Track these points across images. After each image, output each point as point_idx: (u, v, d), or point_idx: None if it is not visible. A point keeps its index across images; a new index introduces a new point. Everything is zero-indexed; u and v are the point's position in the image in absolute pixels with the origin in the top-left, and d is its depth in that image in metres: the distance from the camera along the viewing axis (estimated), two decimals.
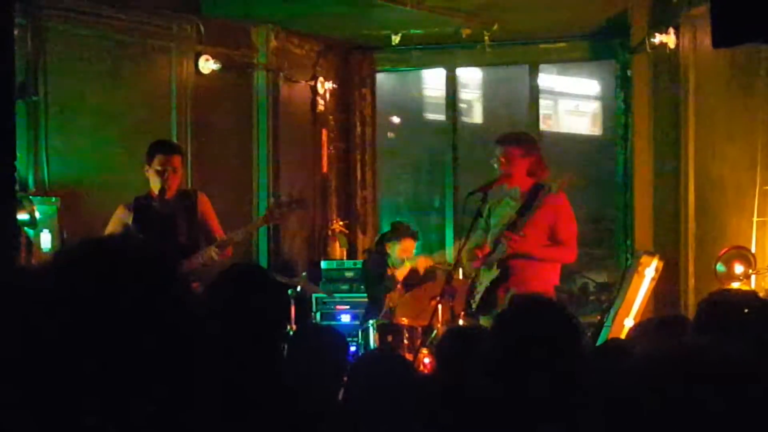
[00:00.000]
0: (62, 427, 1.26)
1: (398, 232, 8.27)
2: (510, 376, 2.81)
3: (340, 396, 3.67)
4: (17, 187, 5.51)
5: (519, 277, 6.01)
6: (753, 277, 6.48)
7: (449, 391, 3.23)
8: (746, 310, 3.32)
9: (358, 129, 10.38)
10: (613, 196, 9.55)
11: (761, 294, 5.28)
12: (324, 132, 9.99)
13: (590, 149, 11.48)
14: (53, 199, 7.24)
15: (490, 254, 6.19)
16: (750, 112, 6.91)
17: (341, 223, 10.02)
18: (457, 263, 6.64)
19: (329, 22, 9.24)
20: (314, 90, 9.84)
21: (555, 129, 12.59)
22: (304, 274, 8.18)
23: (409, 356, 6.46)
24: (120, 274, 1.34)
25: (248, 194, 9.14)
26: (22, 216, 6.73)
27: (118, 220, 6.35)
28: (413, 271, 8.16)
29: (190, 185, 7.92)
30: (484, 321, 5.93)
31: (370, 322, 7.56)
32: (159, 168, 6.19)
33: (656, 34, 8.09)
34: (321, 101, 9.90)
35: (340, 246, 9.94)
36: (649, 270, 7.91)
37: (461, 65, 10.37)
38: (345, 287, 9.00)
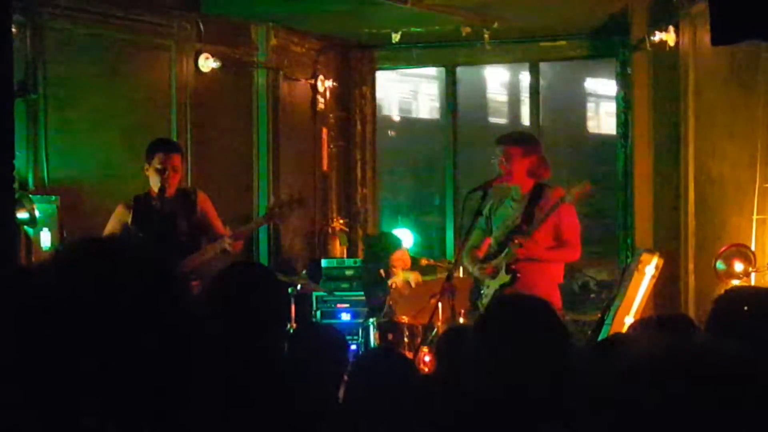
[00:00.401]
0: (62, 427, 1.26)
1: (388, 246, 8.31)
2: (498, 375, 2.81)
3: (341, 394, 3.67)
4: (17, 186, 5.51)
5: (526, 279, 6.02)
6: (753, 275, 6.47)
7: (449, 389, 3.23)
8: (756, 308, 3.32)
9: (358, 127, 10.37)
10: (613, 194, 9.55)
11: None
12: (324, 130, 9.99)
13: (590, 147, 11.48)
14: (53, 197, 7.23)
15: (494, 256, 6.20)
16: (750, 109, 6.90)
17: (341, 221, 10.03)
18: (457, 261, 6.64)
19: (329, 20, 9.23)
20: (314, 88, 9.84)
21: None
22: (304, 272, 8.19)
23: (409, 354, 6.46)
24: (118, 273, 1.34)
25: (248, 192, 9.14)
26: (22, 215, 6.73)
27: (118, 219, 6.34)
28: (406, 285, 8.18)
29: (189, 183, 7.92)
30: None
31: (371, 320, 7.57)
32: (159, 166, 6.19)
33: (656, 32, 8.09)
34: (321, 99, 9.90)
35: (341, 244, 9.95)
36: (650, 268, 7.91)
37: (461, 63, 10.37)
38: (345, 285, 9.00)
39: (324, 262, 9.29)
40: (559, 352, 2.91)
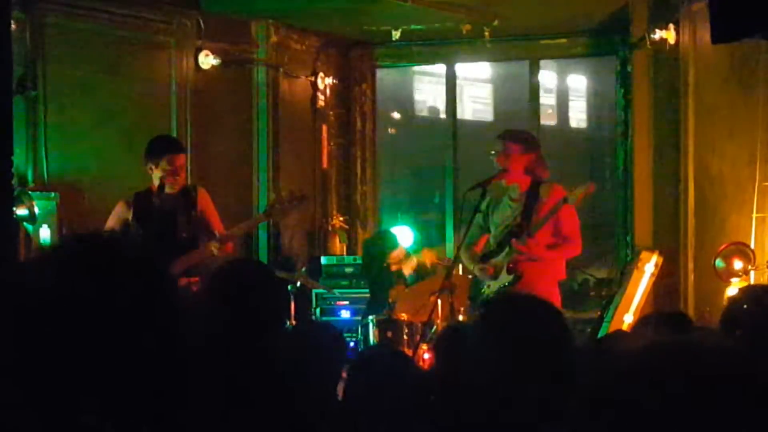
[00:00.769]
0: (60, 426, 1.26)
1: (385, 246, 8.31)
2: (498, 373, 2.81)
3: (340, 392, 3.67)
4: (16, 182, 5.51)
5: (527, 277, 6.02)
6: (752, 273, 6.47)
7: (448, 387, 3.23)
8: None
9: (359, 125, 10.37)
10: (612, 192, 9.55)
11: None
12: (324, 128, 9.98)
13: (590, 145, 11.49)
14: (52, 194, 7.23)
15: (492, 255, 6.20)
16: (750, 107, 6.90)
17: (341, 218, 10.03)
18: (457, 259, 6.64)
19: (329, 18, 9.23)
20: (314, 85, 9.83)
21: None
22: (303, 269, 8.19)
23: (408, 352, 6.45)
24: (113, 270, 1.33)
25: (248, 189, 9.14)
26: (22, 211, 6.73)
27: (118, 216, 6.34)
28: (421, 265, 8.18)
29: (189, 180, 7.91)
30: None
31: (370, 317, 7.56)
32: (168, 168, 6.17)
33: (656, 30, 8.08)
34: (321, 97, 9.89)
35: (340, 241, 9.95)
36: (649, 266, 7.91)
37: (461, 61, 10.37)
38: (345, 282, 9.00)
39: (324, 260, 9.29)
40: (560, 352, 2.91)
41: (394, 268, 8.22)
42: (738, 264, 6.50)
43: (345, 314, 8.72)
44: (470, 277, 6.69)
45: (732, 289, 6.40)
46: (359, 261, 9.07)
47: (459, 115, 10.51)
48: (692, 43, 7.68)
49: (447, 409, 3.06)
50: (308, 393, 3.35)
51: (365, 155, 10.41)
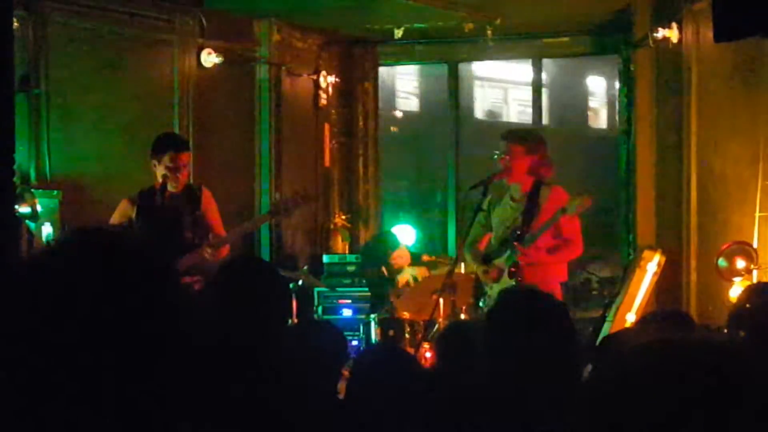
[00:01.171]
0: (57, 424, 1.26)
1: (386, 247, 8.31)
2: (501, 372, 2.81)
3: (342, 390, 3.67)
4: (19, 180, 5.51)
5: (530, 280, 6.00)
6: (755, 272, 6.47)
7: (450, 385, 3.23)
8: None
9: (361, 123, 10.37)
10: (615, 191, 9.54)
11: None
12: (326, 126, 9.98)
13: (593, 144, 11.48)
14: (55, 192, 7.23)
15: (495, 255, 6.19)
16: (752, 106, 6.90)
17: (343, 217, 10.03)
18: (459, 257, 6.64)
19: (332, 16, 9.23)
20: (316, 84, 9.83)
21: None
22: (305, 267, 8.19)
23: (410, 350, 6.46)
24: (114, 263, 1.33)
25: (250, 187, 9.14)
26: (24, 209, 6.73)
27: (121, 213, 6.34)
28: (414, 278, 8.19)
29: (192, 179, 7.91)
30: None
31: (372, 316, 7.57)
32: (170, 165, 6.16)
33: (659, 29, 8.08)
34: (323, 95, 9.89)
35: (342, 240, 9.95)
36: (651, 265, 7.91)
37: (464, 60, 10.37)
38: (347, 281, 8.99)
39: (326, 258, 9.29)
40: (565, 351, 2.91)
41: (396, 266, 8.22)
42: (740, 263, 6.49)
43: (347, 313, 8.72)
44: (473, 276, 6.69)
45: (735, 289, 6.40)
46: (361, 260, 9.07)
47: (461, 113, 10.50)
48: (695, 42, 7.68)
49: (448, 407, 3.06)
50: (309, 391, 3.35)
51: (367, 153, 10.41)
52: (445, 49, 10.14)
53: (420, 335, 6.93)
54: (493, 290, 6.18)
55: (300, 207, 6.68)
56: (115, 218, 6.34)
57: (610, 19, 9.13)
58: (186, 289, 5.74)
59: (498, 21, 8.91)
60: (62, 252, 1.37)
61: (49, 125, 7.42)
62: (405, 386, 3.29)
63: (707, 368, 1.23)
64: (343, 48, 10.19)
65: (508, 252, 6.06)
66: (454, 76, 10.32)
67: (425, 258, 8.57)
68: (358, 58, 10.30)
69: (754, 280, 6.39)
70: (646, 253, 7.93)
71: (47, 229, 7.03)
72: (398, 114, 11.37)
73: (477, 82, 12.81)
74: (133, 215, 6.26)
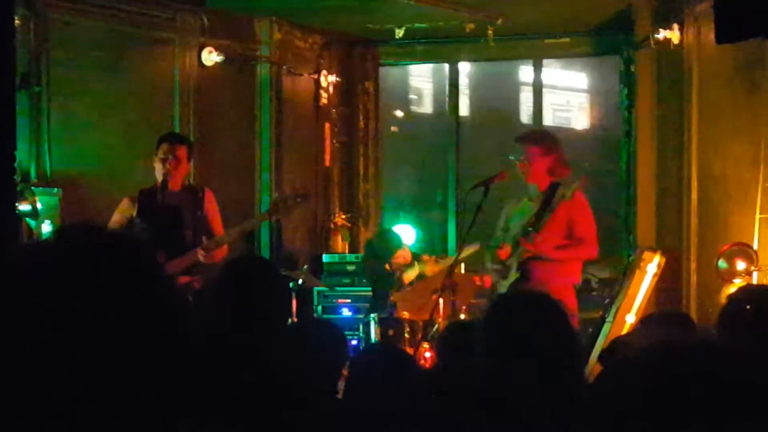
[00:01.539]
0: (54, 421, 1.26)
1: (390, 245, 8.30)
2: (500, 372, 2.81)
3: (341, 389, 3.67)
4: (19, 178, 5.51)
5: (539, 278, 6.00)
6: (755, 274, 6.47)
7: (449, 385, 3.23)
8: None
9: (361, 122, 10.37)
10: (615, 192, 9.53)
11: None
12: (327, 125, 9.98)
13: (593, 145, 11.47)
14: (55, 189, 7.23)
15: (510, 257, 6.19)
16: (754, 108, 6.90)
17: (344, 216, 10.02)
18: (458, 258, 6.65)
19: (333, 15, 9.23)
20: (317, 83, 9.83)
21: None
22: (305, 267, 8.16)
23: (410, 350, 6.46)
24: (107, 260, 1.33)
25: (250, 186, 9.14)
26: (24, 207, 6.73)
27: (122, 212, 6.34)
28: (422, 275, 8.17)
29: (192, 178, 7.92)
30: None
31: (372, 315, 7.56)
32: (162, 156, 6.18)
33: (660, 30, 8.08)
34: (324, 94, 9.89)
35: (342, 239, 9.95)
36: (651, 266, 7.90)
37: (465, 60, 10.36)
38: (347, 281, 8.99)
39: (325, 257, 9.28)
40: (564, 351, 2.91)
41: (396, 266, 8.21)
42: (741, 265, 6.49)
43: (346, 312, 8.72)
44: (473, 276, 6.69)
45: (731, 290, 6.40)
46: (361, 259, 9.07)
47: (462, 113, 10.50)
48: (696, 43, 7.68)
49: (448, 407, 3.06)
50: (309, 391, 3.35)
51: (368, 153, 10.41)
52: (446, 49, 10.14)
53: (420, 335, 6.93)
54: (503, 287, 6.18)
55: (299, 205, 6.68)
56: (115, 217, 6.34)
57: (612, 20, 9.13)
58: (181, 288, 5.76)
59: (499, 21, 8.91)
60: (58, 249, 1.36)
61: (50, 123, 7.42)
62: (402, 386, 3.30)
63: (708, 371, 1.22)
64: (344, 48, 10.19)
65: (519, 248, 6.08)
66: (455, 77, 10.32)
67: (425, 258, 8.56)
68: (359, 58, 10.30)
69: (754, 282, 6.39)
70: (646, 254, 7.93)
71: (47, 227, 7.03)
72: (399, 114, 11.36)
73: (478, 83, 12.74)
74: (134, 214, 6.26)
